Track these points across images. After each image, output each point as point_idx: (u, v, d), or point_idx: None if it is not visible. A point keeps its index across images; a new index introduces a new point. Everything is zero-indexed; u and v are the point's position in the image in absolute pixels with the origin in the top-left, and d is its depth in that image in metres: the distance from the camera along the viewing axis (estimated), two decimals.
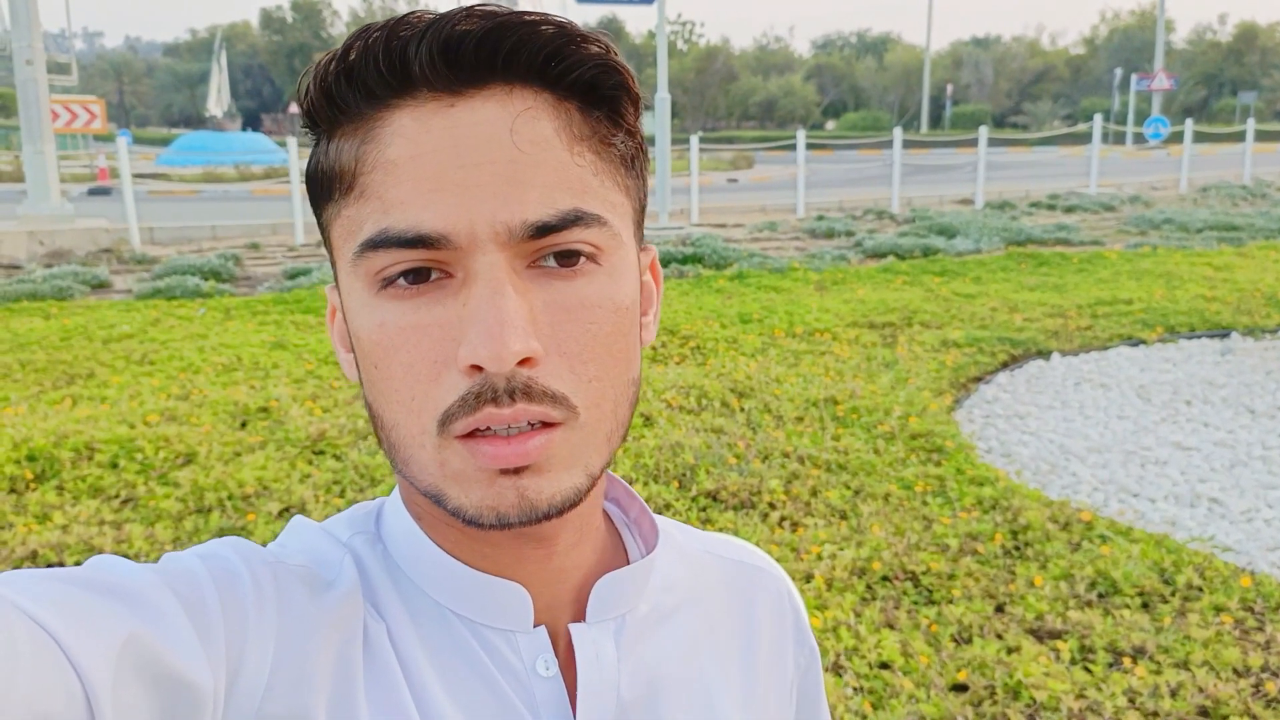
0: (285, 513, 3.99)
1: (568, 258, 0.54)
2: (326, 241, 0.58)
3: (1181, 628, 3.12)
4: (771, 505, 4.12)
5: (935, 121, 68.09)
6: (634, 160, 0.58)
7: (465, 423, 0.52)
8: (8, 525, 3.88)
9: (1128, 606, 3.28)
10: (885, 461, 4.60)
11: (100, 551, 3.63)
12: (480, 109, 0.52)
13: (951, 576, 3.48)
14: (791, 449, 4.69)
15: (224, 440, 4.75)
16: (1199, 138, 26.58)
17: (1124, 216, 15.27)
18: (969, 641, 3.07)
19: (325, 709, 0.54)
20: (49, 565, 3.28)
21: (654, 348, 6.83)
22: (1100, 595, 3.36)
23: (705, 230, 13.40)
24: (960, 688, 2.84)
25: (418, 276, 0.53)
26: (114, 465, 4.44)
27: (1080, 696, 2.77)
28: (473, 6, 0.53)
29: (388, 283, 0.53)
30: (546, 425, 0.53)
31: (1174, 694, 2.78)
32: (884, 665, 2.95)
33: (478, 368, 0.51)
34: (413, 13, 0.53)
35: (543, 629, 0.61)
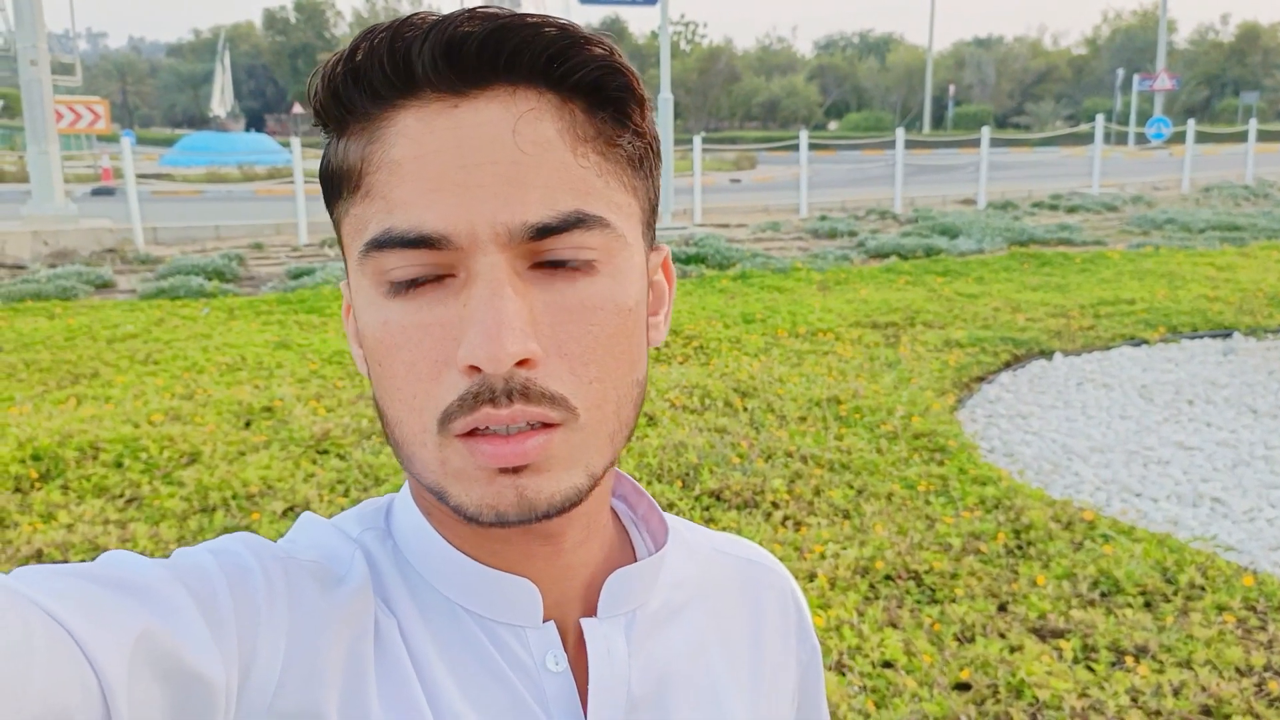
0: (289, 512, 4.00)
1: (566, 259, 0.54)
2: (339, 239, 0.59)
3: (1184, 627, 3.13)
4: (775, 504, 4.12)
5: (938, 122, 68.07)
6: (642, 161, 0.58)
7: (464, 422, 0.52)
8: (13, 524, 3.89)
9: (1130, 606, 3.28)
10: (888, 461, 4.60)
11: (105, 550, 3.63)
12: (483, 110, 0.53)
13: (954, 576, 3.48)
14: (794, 448, 4.69)
15: (228, 440, 4.75)
16: (1201, 138, 26.57)
17: (1126, 217, 15.26)
18: (972, 640, 3.07)
19: (337, 704, 0.54)
20: (55, 564, 3.29)
21: (657, 348, 6.84)
22: (1103, 594, 3.36)
23: (708, 230, 13.40)
24: (963, 687, 2.84)
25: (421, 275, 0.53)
26: (118, 465, 4.45)
27: (1083, 695, 2.77)
28: (476, 8, 0.53)
29: (390, 282, 0.54)
30: (547, 425, 0.53)
31: (1177, 693, 2.78)
32: (887, 664, 2.96)
33: (476, 368, 0.51)
34: (417, 14, 0.54)
35: (552, 624, 0.62)
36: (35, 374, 6.23)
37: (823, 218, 14.95)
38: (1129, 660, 2.96)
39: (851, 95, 79.00)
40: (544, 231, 0.52)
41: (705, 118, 71.81)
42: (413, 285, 0.53)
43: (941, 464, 4.57)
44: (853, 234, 13.27)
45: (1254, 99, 51.09)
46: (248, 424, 5.05)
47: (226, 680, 0.50)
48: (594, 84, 0.54)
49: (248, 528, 3.87)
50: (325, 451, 4.67)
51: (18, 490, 4.22)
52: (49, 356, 6.64)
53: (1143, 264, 10.31)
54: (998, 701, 2.76)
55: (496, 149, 0.52)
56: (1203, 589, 3.39)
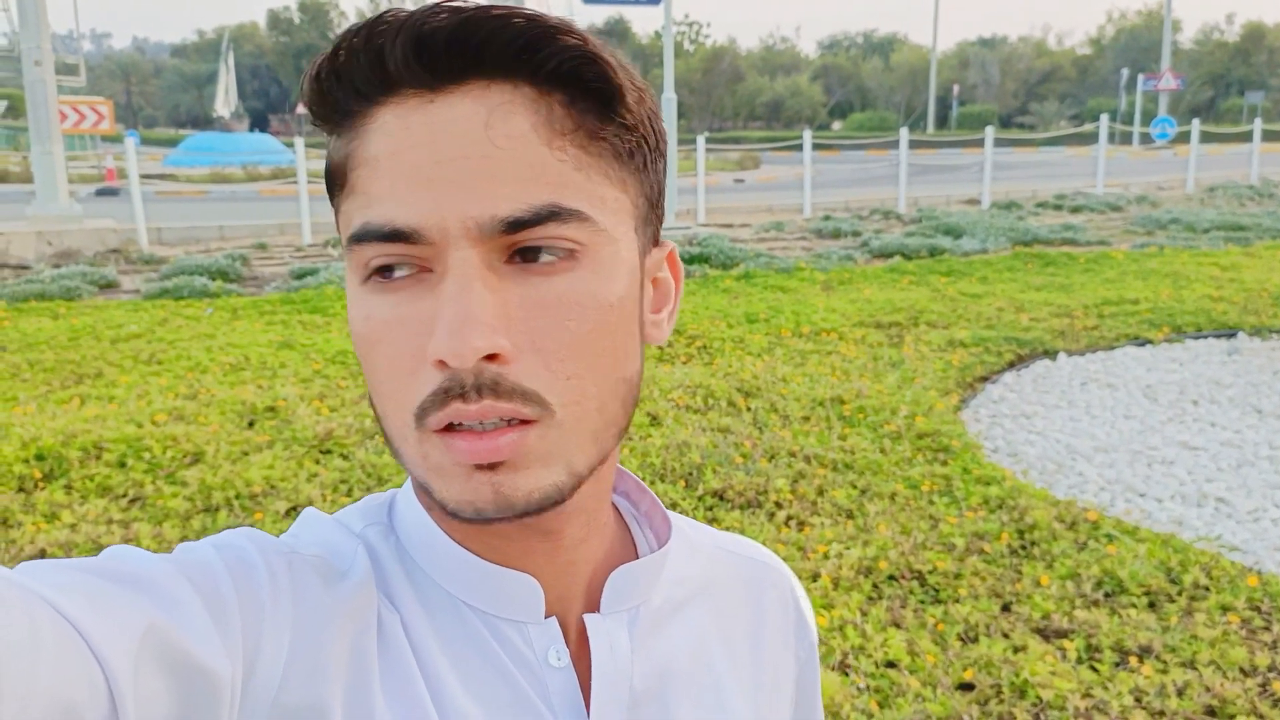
0: (292, 511, 4.00)
1: (541, 254, 0.53)
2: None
3: (1188, 627, 3.12)
4: (778, 504, 4.12)
5: (942, 122, 67.99)
6: (633, 154, 0.57)
7: (437, 417, 0.52)
8: (16, 524, 3.90)
9: (1134, 606, 3.28)
10: (892, 461, 4.60)
11: None
12: (458, 105, 0.52)
13: (958, 575, 3.48)
14: (798, 448, 4.69)
15: (231, 439, 4.76)
16: (1206, 138, 26.51)
17: (1130, 216, 15.24)
18: (975, 640, 3.07)
19: (340, 699, 0.54)
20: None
21: (660, 347, 6.84)
22: (1107, 594, 3.36)
23: (712, 230, 13.39)
24: (966, 686, 2.84)
25: (395, 270, 0.53)
26: (122, 464, 4.45)
27: (1086, 695, 2.77)
28: (443, 2, 0.52)
29: (370, 275, 0.54)
30: (524, 422, 0.52)
31: (1180, 693, 2.78)
32: (890, 664, 2.95)
33: (445, 363, 0.51)
34: (390, 10, 0.53)
35: (554, 620, 0.62)
36: (39, 374, 6.24)
37: (826, 218, 14.94)
38: (1133, 660, 2.95)
39: (855, 95, 78.94)
40: (516, 225, 0.52)
41: (709, 118, 71.79)
42: (391, 278, 0.53)
43: (945, 464, 4.57)
44: (856, 234, 13.26)
45: (1259, 99, 50.94)
46: (251, 424, 5.06)
47: (231, 674, 0.50)
48: (570, 75, 0.53)
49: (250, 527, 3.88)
50: (328, 451, 4.67)
51: (21, 490, 4.23)
52: (53, 356, 6.66)
53: (1147, 264, 10.29)
54: (1001, 702, 2.76)
55: (469, 144, 0.52)
56: (1207, 589, 3.38)
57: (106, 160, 24.93)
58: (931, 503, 4.14)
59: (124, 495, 4.18)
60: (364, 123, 0.54)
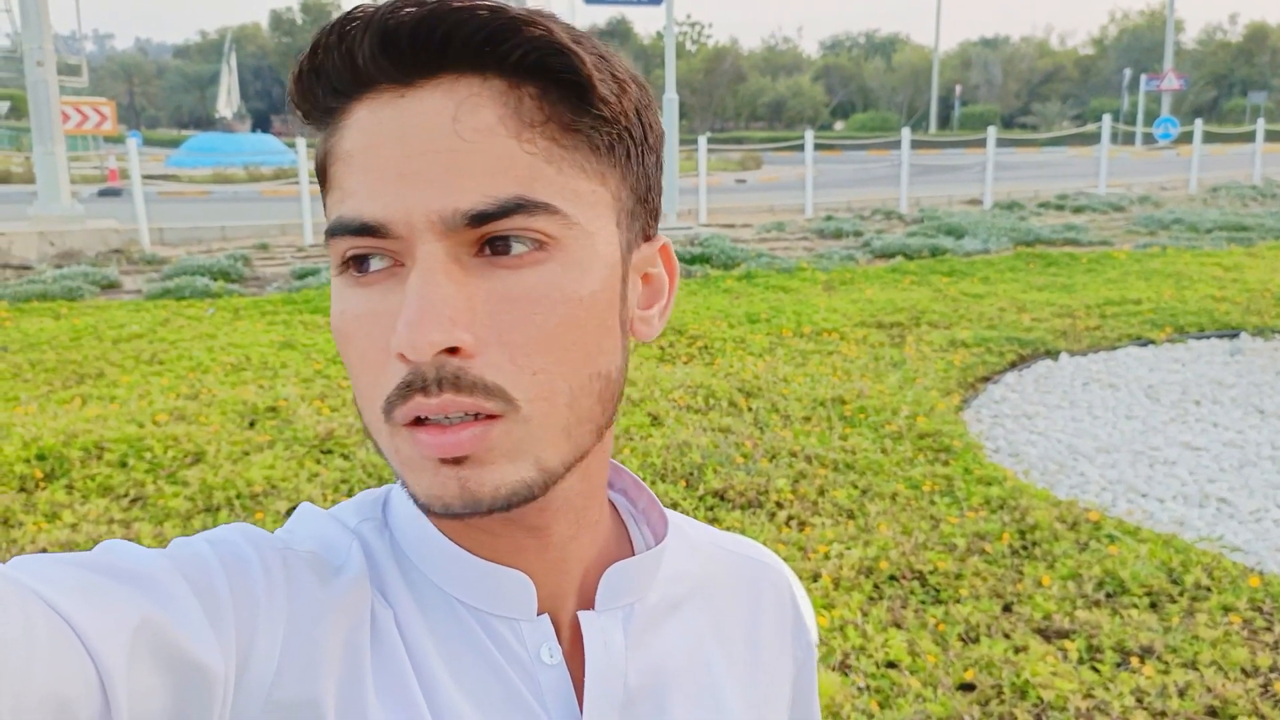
0: (293, 511, 4.00)
1: (512, 246, 0.52)
2: None
3: (1189, 627, 3.12)
4: (779, 504, 4.12)
5: (944, 122, 67.98)
6: (613, 147, 0.56)
7: (401, 411, 0.52)
8: (18, 524, 3.90)
9: (1135, 606, 3.27)
10: (893, 461, 4.59)
11: None
12: (427, 99, 0.52)
13: (959, 576, 3.47)
14: (799, 448, 4.69)
15: (232, 439, 4.76)
16: (1208, 138, 26.47)
17: (1133, 217, 15.23)
18: (976, 641, 3.07)
19: (334, 695, 0.54)
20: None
21: (661, 347, 6.84)
22: (1108, 595, 3.36)
23: (713, 230, 13.39)
24: (967, 687, 2.84)
25: (370, 264, 0.54)
26: (123, 464, 4.46)
27: (1088, 696, 2.77)
28: None
29: (345, 268, 0.54)
30: (490, 417, 0.52)
31: (1182, 694, 2.77)
32: (891, 664, 2.95)
33: (404, 357, 0.51)
34: (360, 6, 0.53)
35: (546, 617, 0.62)
36: (41, 374, 6.25)
37: (828, 218, 14.94)
38: (1134, 661, 2.95)
39: (857, 95, 78.94)
40: (480, 219, 0.51)
41: (711, 118, 71.81)
42: (367, 270, 0.54)
43: (946, 464, 4.56)
44: (858, 234, 13.25)
45: (1262, 99, 50.91)
46: (252, 424, 5.06)
47: (225, 670, 0.49)
48: (537, 66, 0.53)
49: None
50: (329, 451, 4.68)
51: (23, 490, 4.23)
52: (54, 356, 6.66)
53: (1149, 264, 10.29)
54: (1002, 702, 2.75)
55: (437, 137, 0.52)
56: (1208, 589, 3.38)
57: (109, 161, 24.96)
58: (933, 503, 4.13)
59: (125, 495, 4.18)
60: (342, 119, 0.55)
